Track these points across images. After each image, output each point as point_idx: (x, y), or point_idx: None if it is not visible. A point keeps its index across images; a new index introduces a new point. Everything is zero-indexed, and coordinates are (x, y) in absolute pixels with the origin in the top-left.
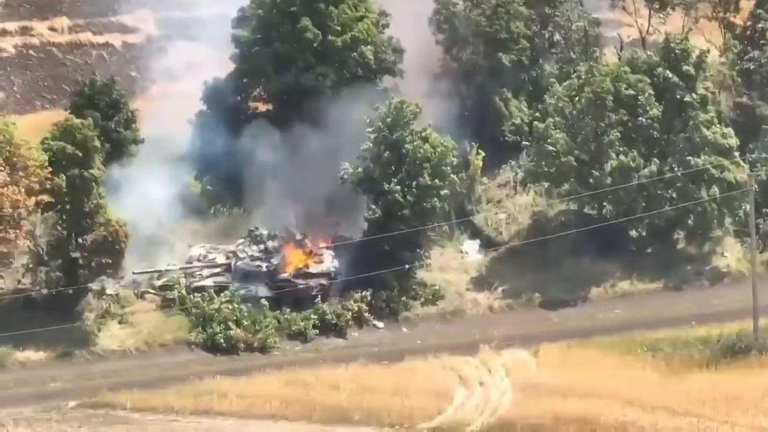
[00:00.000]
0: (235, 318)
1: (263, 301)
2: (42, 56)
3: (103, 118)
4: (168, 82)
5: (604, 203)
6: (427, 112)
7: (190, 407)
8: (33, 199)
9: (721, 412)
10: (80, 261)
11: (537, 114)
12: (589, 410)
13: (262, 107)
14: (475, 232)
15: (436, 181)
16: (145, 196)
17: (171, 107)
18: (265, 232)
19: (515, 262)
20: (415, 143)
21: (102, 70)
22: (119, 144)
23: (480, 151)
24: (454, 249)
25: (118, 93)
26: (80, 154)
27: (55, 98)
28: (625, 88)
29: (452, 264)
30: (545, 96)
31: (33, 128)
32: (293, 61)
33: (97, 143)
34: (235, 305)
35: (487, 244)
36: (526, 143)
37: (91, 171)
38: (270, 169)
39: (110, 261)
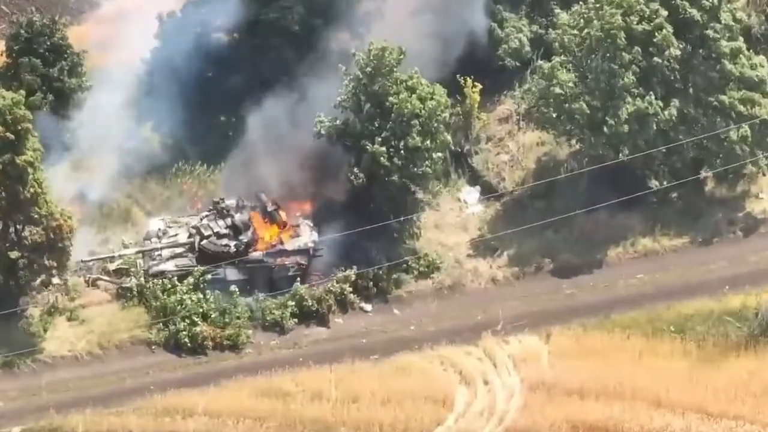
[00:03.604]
0: (200, 310)
1: (233, 286)
2: None
3: (44, 65)
4: None
5: (621, 148)
6: (413, 33)
7: (151, 429)
8: None
9: (764, 412)
10: (19, 263)
11: (540, 30)
12: (610, 415)
13: (225, 38)
14: (474, 178)
15: (427, 142)
16: (93, 152)
17: (124, 33)
18: (232, 202)
19: (521, 217)
20: (401, 96)
21: None
22: (63, 94)
23: (476, 83)
24: (451, 198)
25: (61, 35)
26: (11, 137)
27: None
28: (638, 23)
29: (449, 219)
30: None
31: None
32: None
33: (30, 125)
34: (201, 295)
35: (488, 191)
36: (528, 87)
37: (23, 157)
38: (238, 119)
39: (54, 263)
